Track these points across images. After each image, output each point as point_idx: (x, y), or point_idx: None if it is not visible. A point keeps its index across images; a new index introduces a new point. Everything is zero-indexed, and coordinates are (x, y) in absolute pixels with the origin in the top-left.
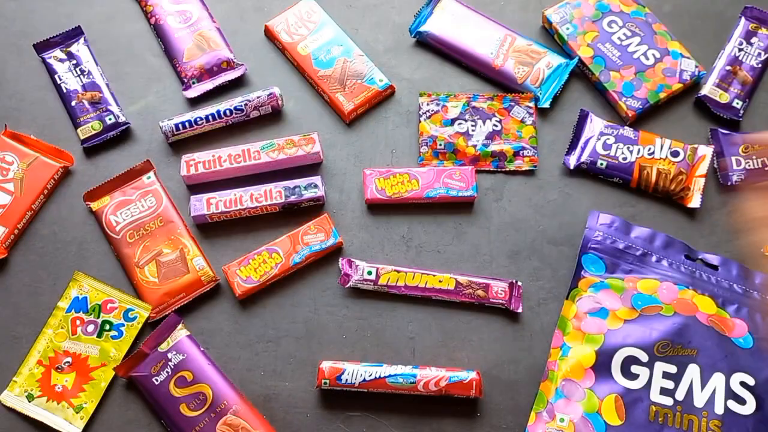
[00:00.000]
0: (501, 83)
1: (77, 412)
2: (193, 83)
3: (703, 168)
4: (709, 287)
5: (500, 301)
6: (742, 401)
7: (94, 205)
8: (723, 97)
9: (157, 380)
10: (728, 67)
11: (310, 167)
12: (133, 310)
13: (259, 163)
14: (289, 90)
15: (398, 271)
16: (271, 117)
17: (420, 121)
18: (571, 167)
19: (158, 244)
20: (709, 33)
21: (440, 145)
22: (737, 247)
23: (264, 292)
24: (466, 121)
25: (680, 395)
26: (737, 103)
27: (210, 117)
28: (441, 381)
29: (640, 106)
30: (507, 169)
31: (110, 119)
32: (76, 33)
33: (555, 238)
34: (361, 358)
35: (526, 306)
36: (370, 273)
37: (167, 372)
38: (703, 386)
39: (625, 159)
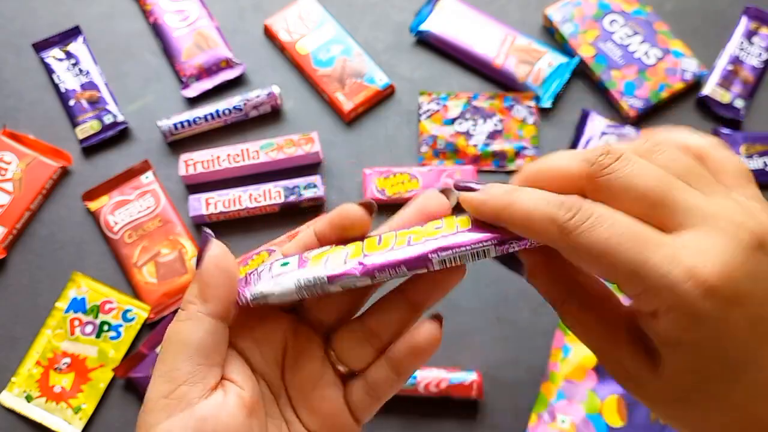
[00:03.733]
0: (502, 82)
1: (76, 413)
2: (192, 82)
3: None
4: None
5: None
6: None
7: (93, 205)
8: (724, 97)
9: None
10: (729, 67)
11: (309, 167)
12: (132, 310)
13: (258, 163)
14: (289, 89)
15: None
16: (270, 116)
17: (420, 121)
18: None
19: (157, 244)
20: (711, 32)
21: (441, 144)
22: None
23: None
24: (466, 120)
25: None
26: (738, 103)
27: (209, 116)
28: (442, 383)
29: (642, 106)
30: (508, 169)
31: (109, 119)
32: (74, 32)
33: None
34: None
35: (528, 307)
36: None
37: None
38: None
39: None
